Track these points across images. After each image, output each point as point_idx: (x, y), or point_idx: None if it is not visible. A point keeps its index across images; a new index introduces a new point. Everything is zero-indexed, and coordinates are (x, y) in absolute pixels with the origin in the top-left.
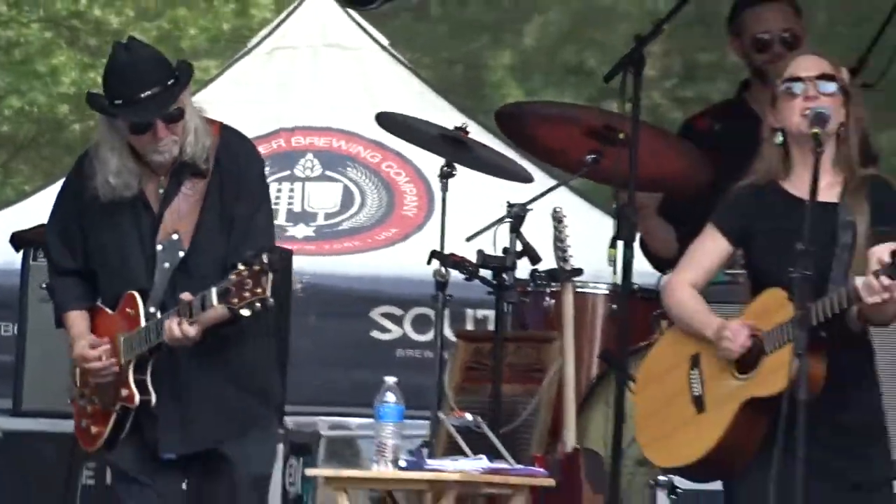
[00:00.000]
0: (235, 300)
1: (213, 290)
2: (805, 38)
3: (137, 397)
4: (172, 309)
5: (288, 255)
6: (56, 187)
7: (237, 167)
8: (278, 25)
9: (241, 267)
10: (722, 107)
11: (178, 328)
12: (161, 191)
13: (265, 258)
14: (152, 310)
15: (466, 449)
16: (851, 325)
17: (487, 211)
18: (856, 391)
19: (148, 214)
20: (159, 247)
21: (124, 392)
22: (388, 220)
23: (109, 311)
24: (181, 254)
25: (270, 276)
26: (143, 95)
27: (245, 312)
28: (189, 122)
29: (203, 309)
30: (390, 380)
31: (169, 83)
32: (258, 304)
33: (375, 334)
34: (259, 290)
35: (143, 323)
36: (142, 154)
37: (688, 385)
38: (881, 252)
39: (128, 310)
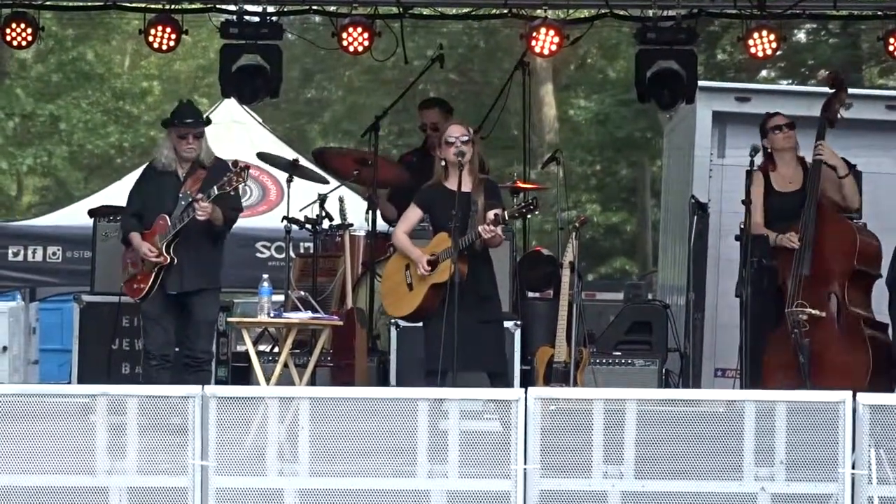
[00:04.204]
0: (227, 188)
1: (215, 188)
2: (449, 116)
3: (168, 259)
4: (191, 204)
5: None
6: (102, 192)
7: (219, 170)
8: (211, 112)
9: (230, 173)
10: (419, 150)
11: (201, 205)
12: (182, 173)
13: (240, 169)
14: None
15: (300, 307)
16: (478, 248)
17: (309, 198)
18: (483, 276)
19: (177, 181)
20: (180, 196)
21: (161, 259)
22: (262, 202)
23: (147, 231)
24: (189, 199)
25: (245, 174)
26: (186, 121)
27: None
28: (203, 143)
29: (209, 197)
30: (265, 275)
31: (199, 120)
32: (238, 187)
33: (258, 254)
34: (237, 181)
35: (170, 224)
36: (178, 151)
37: (404, 277)
38: (489, 214)
39: (161, 222)
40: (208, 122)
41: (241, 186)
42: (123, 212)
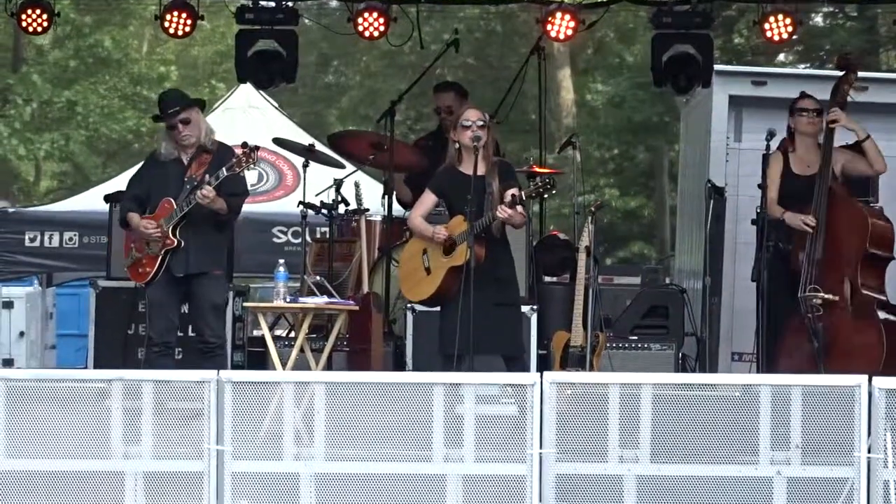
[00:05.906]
0: (237, 169)
1: (224, 169)
2: (464, 100)
3: (176, 242)
4: (197, 189)
5: None
6: (118, 177)
7: (224, 155)
8: (228, 97)
9: (238, 153)
10: (435, 133)
11: (204, 190)
12: (186, 158)
13: (249, 150)
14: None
15: (316, 291)
16: (495, 231)
17: (325, 182)
18: (502, 260)
19: (181, 167)
20: (185, 179)
21: (168, 241)
22: (278, 187)
23: (151, 215)
24: (195, 182)
25: (254, 154)
26: (169, 112)
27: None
28: (201, 126)
29: (218, 179)
30: (281, 260)
31: (182, 106)
32: (250, 166)
33: (274, 239)
34: (248, 162)
35: (176, 207)
36: (177, 140)
37: (422, 262)
38: (506, 194)
39: (166, 205)
40: (198, 102)
41: (248, 169)
42: (122, 196)
